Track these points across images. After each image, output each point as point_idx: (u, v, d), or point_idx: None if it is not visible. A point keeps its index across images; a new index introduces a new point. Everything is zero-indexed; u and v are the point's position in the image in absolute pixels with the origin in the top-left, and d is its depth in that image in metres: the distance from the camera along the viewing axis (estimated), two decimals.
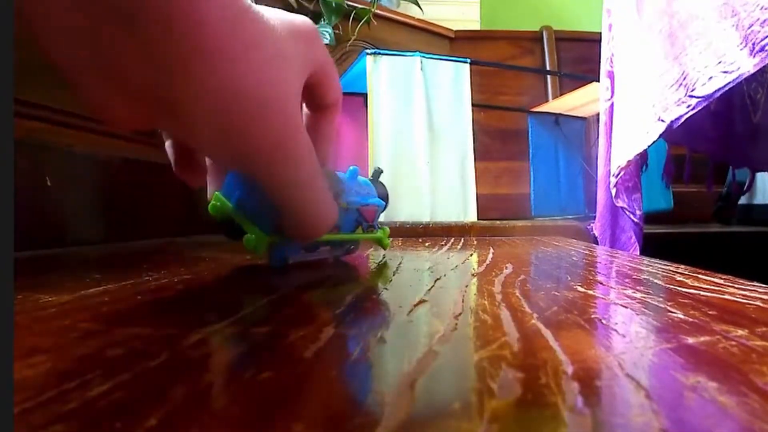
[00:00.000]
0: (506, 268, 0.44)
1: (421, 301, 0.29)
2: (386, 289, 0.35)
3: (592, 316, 0.25)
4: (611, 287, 0.36)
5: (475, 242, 0.79)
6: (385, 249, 0.56)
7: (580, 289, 0.34)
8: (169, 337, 0.20)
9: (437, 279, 0.38)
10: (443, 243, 0.76)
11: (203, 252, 0.59)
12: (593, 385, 0.16)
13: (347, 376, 0.17)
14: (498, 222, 1.01)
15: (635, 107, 1.08)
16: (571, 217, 2.31)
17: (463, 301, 0.29)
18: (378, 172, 0.55)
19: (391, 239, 0.71)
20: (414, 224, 0.77)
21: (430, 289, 0.33)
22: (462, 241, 0.82)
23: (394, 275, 0.42)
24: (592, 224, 1.35)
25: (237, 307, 0.27)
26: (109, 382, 0.15)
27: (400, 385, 0.15)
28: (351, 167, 0.48)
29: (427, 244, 0.73)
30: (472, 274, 0.41)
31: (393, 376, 0.16)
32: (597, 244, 1.28)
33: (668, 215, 1.97)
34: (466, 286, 0.34)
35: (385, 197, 0.53)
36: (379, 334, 0.22)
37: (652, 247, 1.19)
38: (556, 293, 0.31)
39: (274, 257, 0.43)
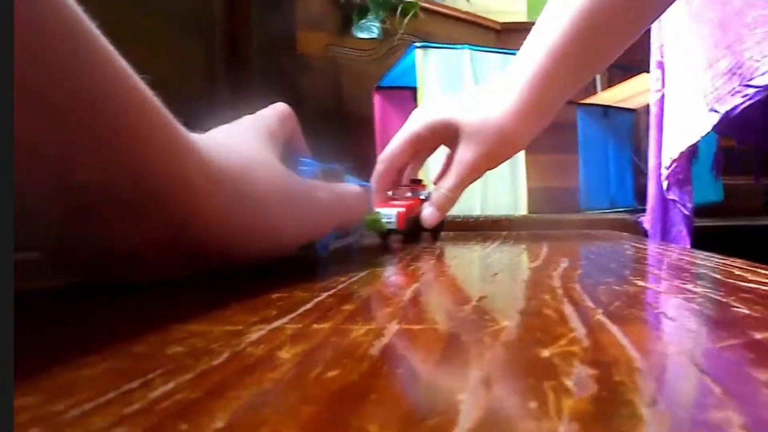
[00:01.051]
0: (562, 262, 0.43)
1: (482, 297, 0.28)
2: (444, 283, 0.35)
3: (656, 311, 0.25)
4: (670, 281, 0.36)
5: (527, 236, 0.78)
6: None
7: (639, 283, 0.34)
8: (229, 334, 0.20)
9: (495, 273, 0.38)
10: (495, 237, 0.76)
11: None
12: (668, 381, 0.16)
13: (417, 374, 0.16)
14: (549, 215, 1.00)
15: (686, 98, 1.07)
16: (620, 210, 2.28)
17: (524, 296, 0.28)
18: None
19: (443, 233, 0.72)
20: (465, 218, 0.78)
21: (489, 284, 0.33)
22: (514, 234, 0.82)
23: (450, 269, 0.42)
24: (642, 217, 1.33)
25: (295, 304, 0.26)
26: (172, 381, 0.15)
27: (473, 383, 0.15)
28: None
29: (478, 238, 0.73)
30: (529, 268, 0.41)
31: (464, 374, 0.16)
32: (647, 237, 1.27)
33: (718, 208, 1.93)
34: (525, 281, 0.34)
35: None
36: (445, 330, 0.21)
37: (701, 239, 1.18)
38: (617, 287, 0.31)
39: (320, 245, 0.45)
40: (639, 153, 2.70)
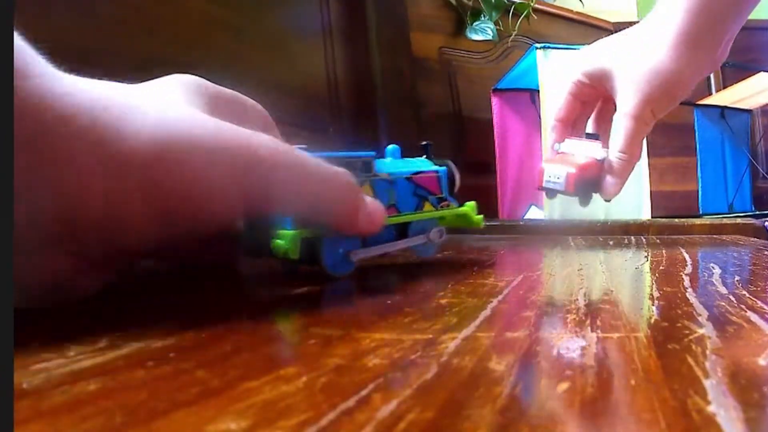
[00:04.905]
0: (713, 268, 0.43)
1: (664, 305, 0.28)
2: (606, 289, 0.34)
3: None
4: None
5: (659, 241, 0.77)
6: (477, 227, 0.45)
7: None
8: (423, 344, 0.19)
9: (656, 279, 0.38)
10: (627, 242, 0.75)
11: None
12: None
13: (653, 384, 0.16)
14: (675, 220, 0.99)
15: None
16: (741, 214, 2.21)
17: (698, 303, 0.28)
18: (425, 146, 0.45)
19: (571, 237, 0.69)
20: (591, 222, 0.78)
21: (658, 290, 0.33)
22: (644, 239, 0.81)
23: (603, 275, 0.42)
24: (767, 222, 1.30)
25: (471, 310, 0.26)
26: (393, 398, 0.14)
27: (715, 392, 0.15)
28: (390, 146, 0.42)
29: (612, 243, 0.72)
30: (685, 275, 0.39)
31: (699, 382, 0.16)
32: None
33: None
34: (688, 287, 0.33)
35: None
36: (646, 338, 0.21)
37: None
38: None
39: (328, 258, 0.34)
40: (755, 155, 2.62)
